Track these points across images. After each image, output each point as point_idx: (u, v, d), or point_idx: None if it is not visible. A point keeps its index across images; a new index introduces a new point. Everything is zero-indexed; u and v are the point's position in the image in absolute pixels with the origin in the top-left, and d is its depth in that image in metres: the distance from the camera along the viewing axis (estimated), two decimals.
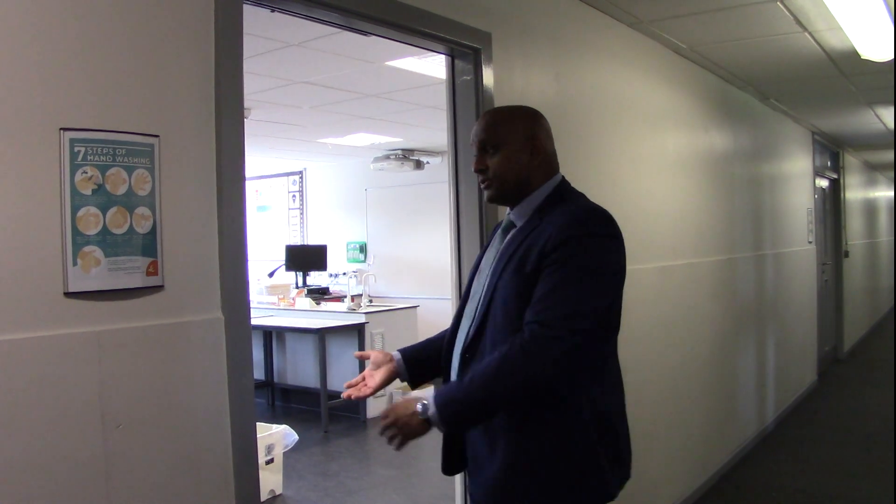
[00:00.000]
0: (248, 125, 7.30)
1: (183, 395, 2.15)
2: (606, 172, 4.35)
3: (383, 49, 4.81)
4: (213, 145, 2.25)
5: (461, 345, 2.25)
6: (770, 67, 5.80)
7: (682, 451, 5.21)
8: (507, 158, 2.25)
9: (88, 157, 1.96)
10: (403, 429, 2.08)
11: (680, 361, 5.20)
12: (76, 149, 1.94)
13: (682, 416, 5.23)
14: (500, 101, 3.38)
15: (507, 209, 2.35)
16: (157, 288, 2.10)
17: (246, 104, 6.52)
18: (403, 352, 2.47)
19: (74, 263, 1.93)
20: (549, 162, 2.33)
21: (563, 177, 2.37)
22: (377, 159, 9.85)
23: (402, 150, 9.69)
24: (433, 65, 5.11)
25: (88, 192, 1.96)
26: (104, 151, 1.98)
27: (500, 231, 2.35)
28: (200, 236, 2.22)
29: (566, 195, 2.31)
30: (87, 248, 1.95)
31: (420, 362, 2.47)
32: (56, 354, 1.90)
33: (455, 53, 3.31)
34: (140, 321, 2.06)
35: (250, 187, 12.08)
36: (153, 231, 2.09)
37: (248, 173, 8.81)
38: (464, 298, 2.37)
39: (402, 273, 10.37)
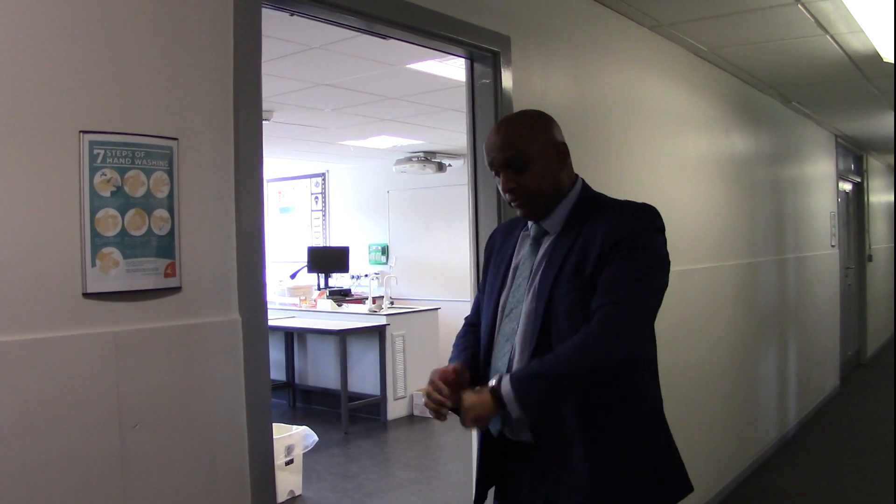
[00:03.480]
0: (271, 127, 7.40)
1: (199, 395, 2.17)
2: (627, 176, 4.34)
3: (404, 52, 4.82)
4: (231, 148, 2.27)
5: (509, 362, 2.15)
6: (792, 70, 5.77)
7: (702, 455, 5.17)
8: (541, 173, 2.17)
9: (107, 160, 1.98)
10: (475, 409, 2.02)
11: (701, 365, 5.18)
12: (95, 151, 1.96)
13: (702, 420, 5.21)
14: (518, 104, 3.39)
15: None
16: (175, 289, 2.12)
17: (268, 107, 6.61)
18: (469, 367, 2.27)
19: (93, 264, 1.95)
20: (571, 165, 2.28)
21: (582, 178, 2.32)
22: (399, 161, 9.87)
23: (424, 152, 9.70)
24: (454, 68, 5.12)
25: (107, 194, 1.98)
26: (123, 154, 2.01)
27: (528, 242, 2.27)
28: (218, 238, 2.24)
29: (596, 196, 2.28)
30: (105, 250, 1.98)
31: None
32: (74, 355, 1.92)
33: (474, 57, 3.32)
34: (157, 322, 2.08)
35: (273, 189, 12.14)
36: (171, 233, 2.11)
37: (270, 175, 8.91)
38: (492, 314, 2.27)
39: (424, 275, 10.38)
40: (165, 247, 2.09)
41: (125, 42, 2.03)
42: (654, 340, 2.23)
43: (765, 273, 6.57)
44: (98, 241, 1.96)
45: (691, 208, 5.16)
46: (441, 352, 9.18)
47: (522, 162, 2.15)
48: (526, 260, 2.24)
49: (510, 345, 2.17)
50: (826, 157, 8.91)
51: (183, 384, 2.14)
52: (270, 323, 7.72)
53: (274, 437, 5.32)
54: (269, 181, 12.05)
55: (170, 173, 2.10)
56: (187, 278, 2.15)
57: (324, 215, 11.81)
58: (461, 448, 5.50)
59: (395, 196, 10.83)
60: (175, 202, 2.12)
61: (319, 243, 11.64)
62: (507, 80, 3.33)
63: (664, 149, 4.83)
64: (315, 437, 5.82)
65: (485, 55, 3.28)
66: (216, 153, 2.24)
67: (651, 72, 4.70)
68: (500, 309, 2.25)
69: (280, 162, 10.79)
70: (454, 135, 8.18)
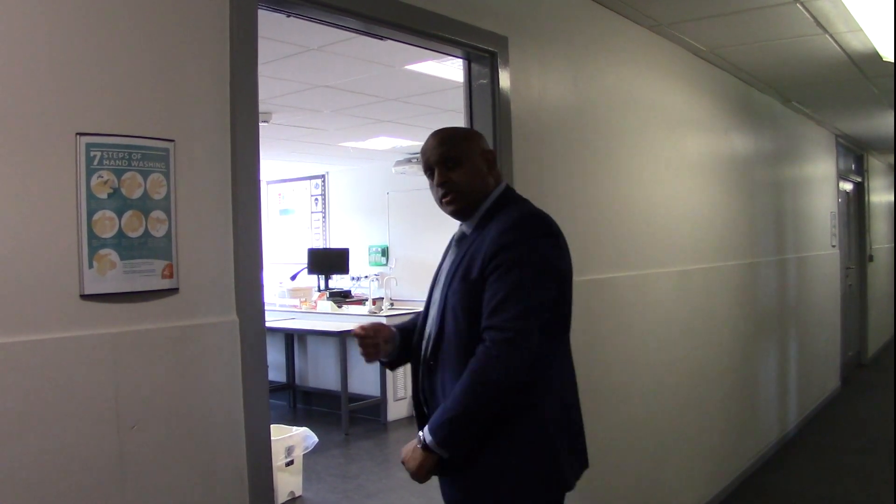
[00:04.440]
0: (270, 129, 7.41)
1: (197, 396, 2.18)
2: (626, 176, 4.35)
3: (402, 53, 4.83)
4: (228, 149, 2.27)
5: (424, 353, 2.41)
6: (791, 70, 5.77)
7: (701, 456, 5.19)
8: (470, 172, 2.38)
9: (104, 162, 1.98)
10: (412, 463, 2.24)
11: (700, 366, 5.18)
12: (92, 153, 1.96)
13: (702, 420, 5.21)
14: (516, 105, 3.39)
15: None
16: (173, 291, 2.13)
17: (267, 108, 6.60)
18: (401, 333, 2.58)
19: (90, 266, 1.96)
20: (498, 175, 2.47)
21: (507, 184, 2.49)
22: (399, 163, 9.86)
23: None
24: (452, 68, 5.12)
25: (104, 195, 1.98)
26: (120, 156, 2.01)
27: (454, 242, 2.50)
28: (216, 239, 2.24)
29: (509, 201, 2.42)
30: (102, 251, 1.98)
31: (407, 350, 2.56)
32: (72, 356, 1.92)
33: (471, 57, 3.32)
34: (155, 323, 2.09)
35: (273, 191, 12.13)
36: (168, 234, 2.11)
37: (270, 177, 8.91)
38: (427, 306, 2.50)
39: (424, 276, 10.21)
40: (163, 248, 2.10)
41: (121, 44, 2.04)
42: (560, 332, 2.37)
43: (765, 273, 6.57)
44: (95, 243, 1.97)
45: (691, 208, 5.16)
46: None
47: (455, 160, 2.37)
48: (448, 260, 2.46)
49: (429, 334, 2.40)
50: (826, 157, 8.91)
51: (181, 385, 2.14)
52: (271, 324, 7.66)
53: (274, 438, 5.36)
54: (268, 183, 12.05)
55: (167, 175, 2.11)
56: (185, 280, 2.15)
57: (324, 217, 11.81)
58: None
59: (394, 197, 10.83)
60: (172, 204, 2.12)
61: (319, 245, 11.63)
62: (504, 80, 3.33)
63: (663, 149, 4.83)
64: (315, 438, 5.82)
65: (482, 56, 3.28)
66: (213, 154, 2.24)
67: (650, 72, 4.70)
68: (429, 304, 2.48)
69: (280, 164, 10.78)
70: None
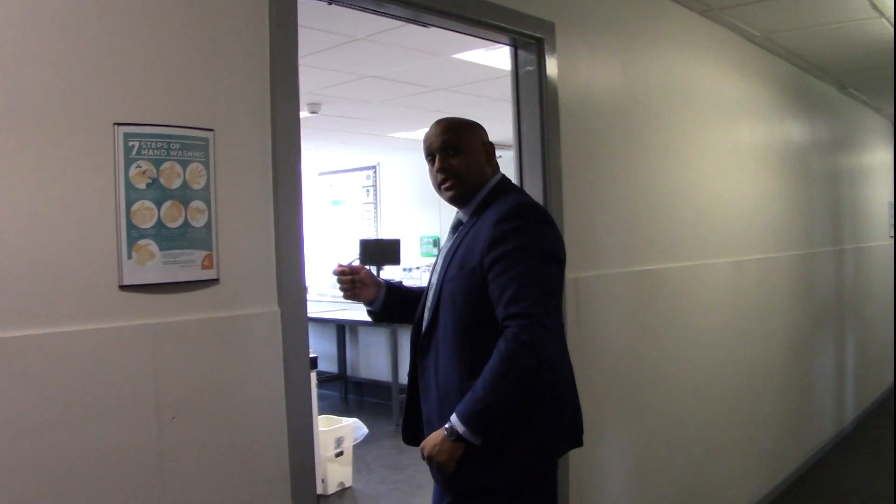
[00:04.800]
0: (319, 120, 7.41)
1: (238, 388, 2.16)
2: (678, 165, 4.25)
3: (449, 42, 4.78)
4: (269, 137, 2.25)
5: (419, 334, 2.50)
6: (846, 55, 5.60)
7: (754, 452, 5.07)
8: (470, 160, 2.46)
9: (143, 152, 1.97)
10: (442, 456, 2.28)
11: (754, 360, 5.07)
12: (130, 143, 1.95)
13: (756, 415, 5.10)
14: (564, 92, 3.33)
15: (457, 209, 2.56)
16: (213, 281, 2.11)
17: (315, 99, 6.61)
18: (388, 287, 2.71)
19: (129, 256, 1.95)
20: (496, 166, 2.56)
21: (503, 175, 2.57)
22: None
23: None
24: (500, 56, 5.05)
25: (143, 186, 1.97)
26: (158, 146, 2.00)
27: (451, 229, 2.58)
28: (256, 229, 2.22)
29: (505, 190, 2.49)
30: (141, 242, 1.97)
31: (396, 305, 2.71)
32: (111, 347, 1.92)
33: (518, 44, 3.26)
34: (195, 314, 2.07)
35: (324, 182, 12.17)
36: (208, 224, 2.09)
37: (322, 168, 8.92)
38: (425, 293, 2.58)
39: None
40: (202, 238, 2.08)
41: (160, 33, 2.02)
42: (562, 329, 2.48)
43: (821, 264, 6.42)
44: (134, 234, 1.96)
45: (745, 198, 5.05)
46: None
47: (456, 147, 2.45)
48: (446, 245, 2.55)
49: (426, 318, 2.48)
50: (883, 146, 8.68)
51: (221, 377, 2.12)
52: (322, 315, 7.72)
53: (324, 428, 5.36)
54: (320, 174, 12.10)
55: (206, 164, 2.09)
56: (225, 270, 2.14)
57: (375, 207, 11.82)
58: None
59: None
60: (212, 193, 2.10)
61: (371, 236, 11.65)
62: (551, 67, 3.27)
63: (716, 137, 4.72)
64: (365, 430, 5.81)
65: (528, 42, 3.22)
66: (253, 143, 2.22)
67: (701, 58, 4.59)
68: (429, 286, 2.56)
69: (331, 155, 10.81)
70: (503, 126, 8.09)
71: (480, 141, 2.52)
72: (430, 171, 2.51)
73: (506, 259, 2.24)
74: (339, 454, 5.64)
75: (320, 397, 7.33)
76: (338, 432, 5.60)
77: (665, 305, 4.08)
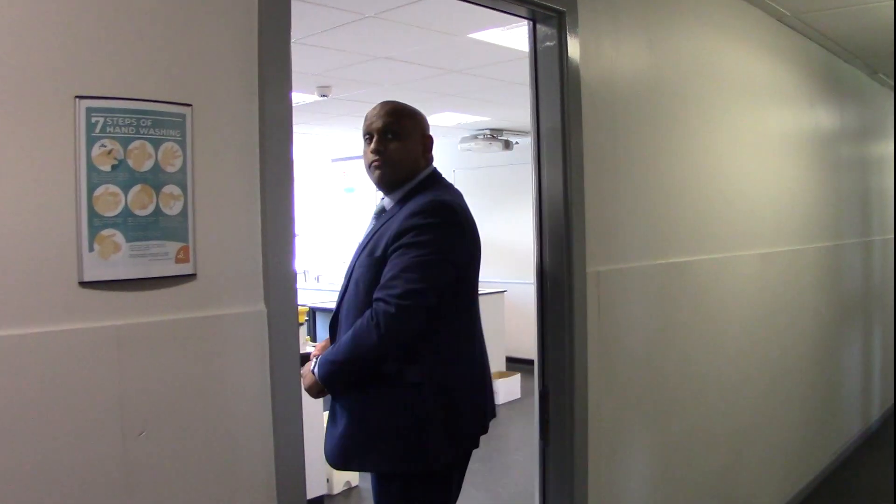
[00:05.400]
0: (330, 104, 7.16)
1: (218, 397, 1.91)
2: (705, 152, 3.98)
3: (465, 20, 4.54)
4: (255, 114, 1.98)
5: (334, 312, 2.65)
6: (878, 37, 5.28)
7: (783, 452, 4.82)
8: (406, 148, 2.57)
9: (108, 129, 1.72)
10: (305, 381, 2.45)
11: (782, 355, 4.80)
12: (93, 119, 1.70)
13: (784, 414, 4.85)
14: (587, 70, 3.06)
15: (382, 195, 2.66)
16: (189, 277, 1.86)
17: (325, 82, 6.35)
18: None
19: (91, 249, 1.70)
20: (430, 160, 2.67)
21: (435, 168, 2.68)
22: (465, 139, 9.58)
23: (491, 129, 9.39)
24: (518, 37, 4.78)
25: (107, 168, 1.72)
26: (126, 122, 1.75)
27: (374, 215, 2.69)
28: (240, 218, 1.96)
29: (431, 184, 2.59)
30: (105, 232, 1.72)
31: None
32: (69, 351, 1.67)
33: (536, 17, 2.99)
34: (168, 314, 1.82)
35: (337, 169, 11.93)
36: (184, 212, 1.84)
37: (334, 155, 8.65)
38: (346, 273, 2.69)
39: (491, 256, 9.91)
40: (177, 228, 1.83)
41: None
42: (438, 317, 2.43)
43: (850, 256, 6.14)
44: (97, 223, 1.71)
45: (772, 186, 4.78)
46: (508, 336, 8.87)
47: (395, 133, 2.56)
48: (366, 231, 2.66)
49: (338, 298, 2.64)
50: None
51: (198, 385, 1.87)
52: (333, 306, 7.43)
53: None
54: (333, 161, 11.86)
55: (182, 144, 1.84)
56: (203, 264, 1.88)
57: None
58: (526, 438, 5.20)
59: (461, 175, 10.50)
60: (188, 177, 1.85)
61: None
62: (573, 43, 3.00)
63: (744, 122, 4.44)
64: None
65: (548, 15, 2.95)
66: (238, 120, 1.96)
67: (730, 38, 4.30)
68: (348, 271, 2.65)
69: (343, 141, 10.57)
70: (521, 111, 7.81)
71: (420, 132, 2.63)
72: (364, 150, 2.61)
73: (400, 249, 2.39)
74: None
75: None
76: None
77: (691, 300, 3.82)
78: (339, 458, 2.54)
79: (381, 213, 2.64)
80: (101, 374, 1.72)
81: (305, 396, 2.24)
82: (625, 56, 3.37)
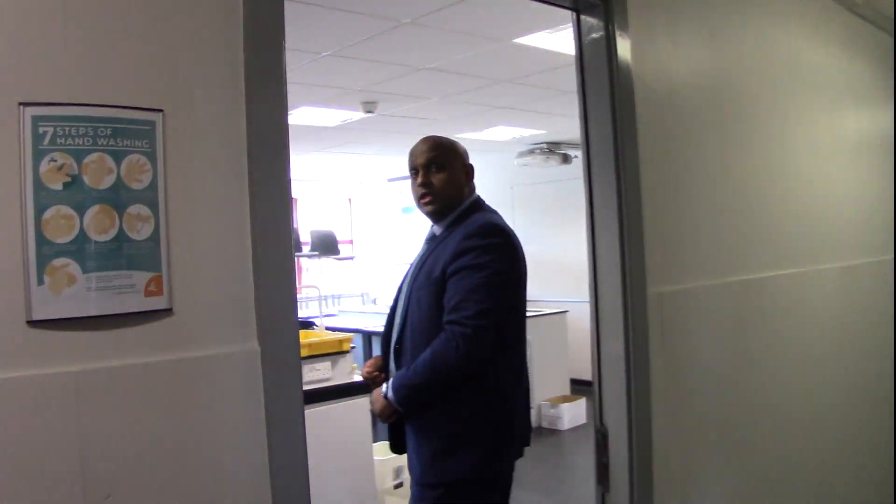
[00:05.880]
0: (379, 121, 6.91)
1: (202, 456, 1.61)
2: (778, 156, 3.60)
3: (507, 23, 4.28)
4: (242, 120, 1.69)
5: (394, 340, 2.78)
6: None
7: (871, 487, 4.39)
8: (451, 179, 2.77)
9: (58, 141, 1.46)
10: (374, 405, 2.71)
11: (868, 380, 4.35)
12: (41, 129, 1.44)
13: (871, 447, 4.40)
14: (639, 69, 2.73)
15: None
16: (163, 312, 1.57)
17: (370, 98, 6.08)
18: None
19: (40, 282, 1.43)
20: (473, 188, 2.88)
21: (478, 196, 2.87)
22: (521, 154, 9.29)
23: (548, 143, 9.07)
24: (566, 40, 4.46)
25: (58, 186, 1.46)
26: (80, 132, 1.48)
27: (426, 240, 2.88)
28: (226, 241, 1.67)
29: (478, 210, 2.80)
30: (57, 262, 1.45)
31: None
32: (17, 402, 1.41)
33: (580, 6, 2.67)
34: (136, 357, 1.54)
35: (393, 188, 11.72)
36: (154, 236, 1.56)
37: (390, 174, 8.35)
38: (396, 298, 2.87)
39: (551, 275, 9.65)
40: (146, 255, 1.55)
41: None
42: (500, 330, 2.61)
43: None
44: (47, 251, 1.44)
45: (854, 193, 4.36)
46: (572, 358, 8.47)
47: (440, 165, 2.76)
48: (418, 255, 2.85)
49: (398, 323, 2.79)
50: None
51: (176, 441, 1.58)
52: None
53: (381, 458, 4.84)
54: (389, 180, 11.67)
55: (151, 156, 1.56)
56: (180, 296, 1.60)
57: None
58: (591, 468, 4.93)
59: (518, 191, 10.22)
60: (160, 194, 1.57)
61: None
62: (622, 35, 2.66)
63: (820, 123, 4.04)
64: None
65: (594, 3, 2.63)
66: (221, 127, 1.68)
67: (801, 30, 3.91)
68: (399, 294, 2.85)
69: (399, 160, 10.33)
70: (577, 122, 7.52)
71: (461, 161, 2.83)
72: (412, 185, 2.80)
73: (463, 271, 2.56)
74: (398, 486, 5.13)
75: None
76: (396, 462, 5.08)
77: (768, 322, 3.43)
78: (430, 475, 2.64)
79: (432, 238, 2.84)
80: (57, 430, 1.44)
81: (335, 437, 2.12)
82: (682, 49, 3.02)
